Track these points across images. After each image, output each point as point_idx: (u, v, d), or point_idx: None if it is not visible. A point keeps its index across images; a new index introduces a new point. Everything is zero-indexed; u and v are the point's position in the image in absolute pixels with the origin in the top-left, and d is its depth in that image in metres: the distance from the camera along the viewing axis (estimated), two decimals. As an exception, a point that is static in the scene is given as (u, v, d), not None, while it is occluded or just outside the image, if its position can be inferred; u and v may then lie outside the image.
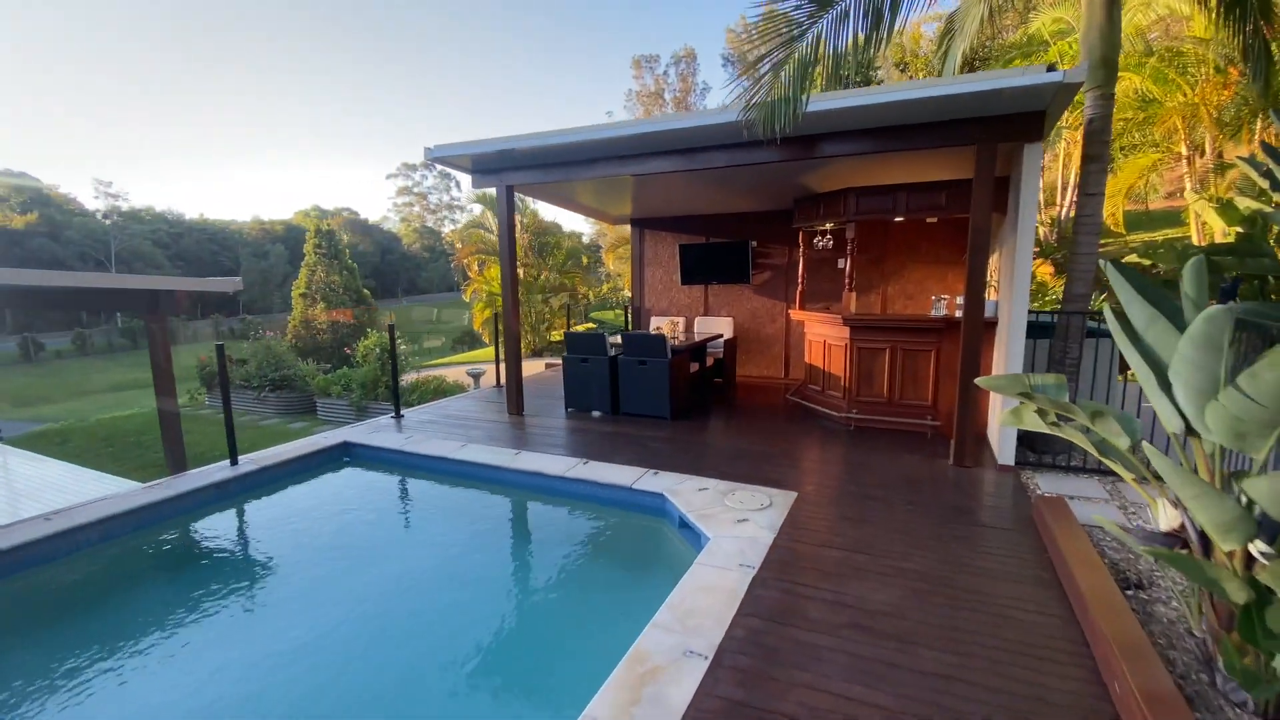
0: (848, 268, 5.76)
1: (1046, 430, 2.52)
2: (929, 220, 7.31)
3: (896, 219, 5.84)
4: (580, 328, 16.39)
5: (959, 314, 5.22)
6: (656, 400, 6.25)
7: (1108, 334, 5.21)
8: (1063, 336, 4.58)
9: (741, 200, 7.75)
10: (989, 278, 5.95)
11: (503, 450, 5.15)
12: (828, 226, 6.28)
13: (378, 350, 11.08)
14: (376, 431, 5.91)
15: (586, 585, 3.51)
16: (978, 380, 2.72)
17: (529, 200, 15.23)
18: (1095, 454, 2.40)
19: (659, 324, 8.76)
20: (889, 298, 7.73)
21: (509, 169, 6.09)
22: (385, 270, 55.86)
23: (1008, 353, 4.42)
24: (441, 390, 10.63)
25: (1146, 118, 8.71)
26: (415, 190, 62.86)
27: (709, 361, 7.56)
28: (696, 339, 7.29)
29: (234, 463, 4.95)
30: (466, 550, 3.91)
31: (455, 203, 62.61)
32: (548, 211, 19.02)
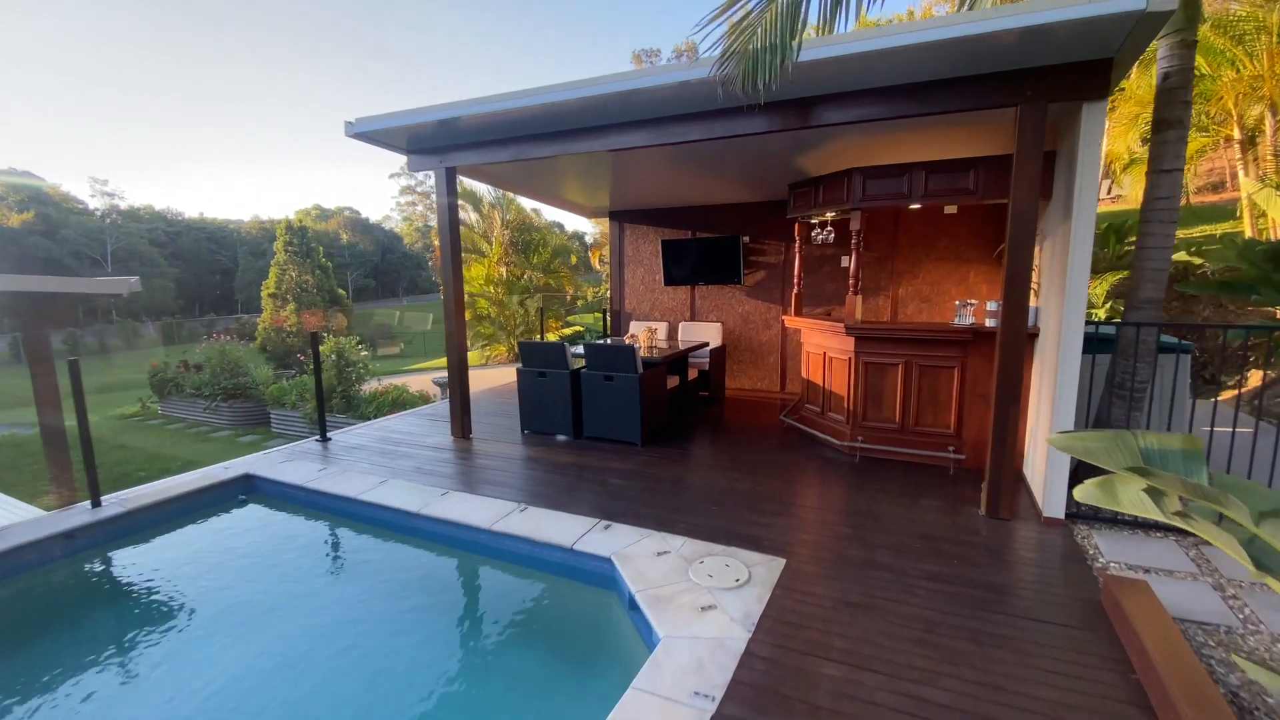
0: (852, 265, 4.83)
1: (1163, 519, 1.60)
2: (947, 210, 6.38)
3: (912, 206, 4.89)
4: (559, 334, 15.49)
5: (990, 323, 4.29)
6: (625, 423, 5.34)
7: (1180, 348, 4.28)
8: (1128, 353, 3.64)
9: (731, 189, 6.83)
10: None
11: (427, 490, 4.24)
12: (828, 216, 5.36)
13: (334, 357, 10.21)
14: (290, 460, 5.01)
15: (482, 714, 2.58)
16: (1053, 441, 1.80)
17: (509, 195, 14.35)
18: (1251, 567, 1.48)
19: (637, 330, 7.84)
20: (900, 301, 6.80)
21: (451, 147, 5.19)
22: (386, 269, 55.13)
23: (1057, 374, 3.49)
24: (401, 402, 9.74)
25: (1197, 94, 7.77)
26: (419, 189, 62.22)
27: (692, 374, 6.65)
28: (680, 348, 6.37)
29: (95, 504, 4.06)
30: (332, 640, 2.97)
31: (535, 211, 61.40)
32: (551, 214, 18.17)
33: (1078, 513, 3.61)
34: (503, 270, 16.09)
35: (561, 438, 5.63)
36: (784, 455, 5.00)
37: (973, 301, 4.49)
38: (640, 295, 8.42)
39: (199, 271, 44.88)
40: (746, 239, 7.55)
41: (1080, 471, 3.52)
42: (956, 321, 4.52)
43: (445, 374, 11.66)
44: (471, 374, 6.31)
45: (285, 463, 4.95)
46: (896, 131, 4.39)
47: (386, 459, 5.04)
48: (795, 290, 5.84)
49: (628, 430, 5.33)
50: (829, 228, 5.45)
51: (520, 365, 5.81)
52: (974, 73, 3.35)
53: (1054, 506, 3.54)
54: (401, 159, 5.64)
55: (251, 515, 4.40)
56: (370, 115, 4.85)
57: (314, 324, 14.91)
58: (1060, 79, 3.21)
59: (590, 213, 8.69)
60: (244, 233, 50.54)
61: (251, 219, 53.95)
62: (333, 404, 10.14)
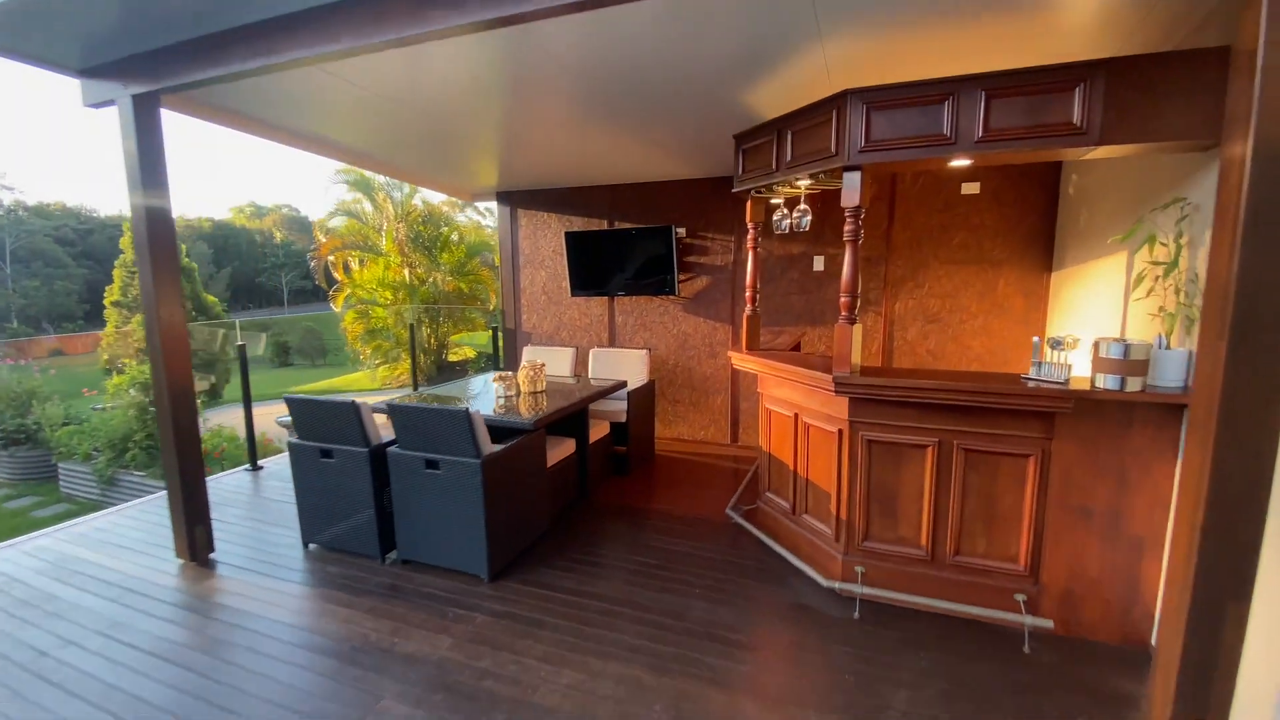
0: (847, 270, 2.81)
1: None
2: (966, 190, 4.49)
3: (956, 162, 2.82)
4: (460, 353, 13.12)
5: (1108, 382, 2.33)
6: (462, 542, 3.18)
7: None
8: None
9: (662, 159, 4.76)
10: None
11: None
12: (800, 187, 3.34)
13: (131, 391, 7.66)
14: None
15: None
16: None
17: (402, 184, 11.85)
18: None
19: (534, 358, 5.68)
20: (895, 323, 4.87)
21: (140, 61, 2.93)
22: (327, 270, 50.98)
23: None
24: (226, 458, 7.25)
25: None
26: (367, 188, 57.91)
27: (599, 432, 4.54)
28: (578, 394, 4.26)
29: None
30: None
31: (444, 204, 57.96)
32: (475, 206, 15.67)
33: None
34: (406, 273, 13.62)
35: (392, 560, 3.42)
36: (733, 592, 2.93)
37: (1066, 336, 2.52)
38: (541, 309, 6.25)
39: (107, 271, 40.25)
40: (682, 231, 5.50)
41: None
42: (1034, 374, 2.55)
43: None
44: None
45: None
46: (926, 13, 2.39)
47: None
48: (748, 310, 3.77)
49: (466, 555, 3.17)
50: (801, 207, 3.40)
51: (292, 436, 3.57)
52: None
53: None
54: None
55: None
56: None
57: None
58: None
59: (471, 194, 6.48)
60: None
61: (178, 217, 49.05)
62: (128, 458, 7.58)
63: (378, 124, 4.04)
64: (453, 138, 4.35)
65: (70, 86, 3.25)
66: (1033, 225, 4.42)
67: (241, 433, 8.31)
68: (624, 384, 4.76)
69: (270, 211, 53.51)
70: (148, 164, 3.15)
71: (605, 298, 5.90)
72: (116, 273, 14.20)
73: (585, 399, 4.18)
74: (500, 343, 6.60)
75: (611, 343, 5.97)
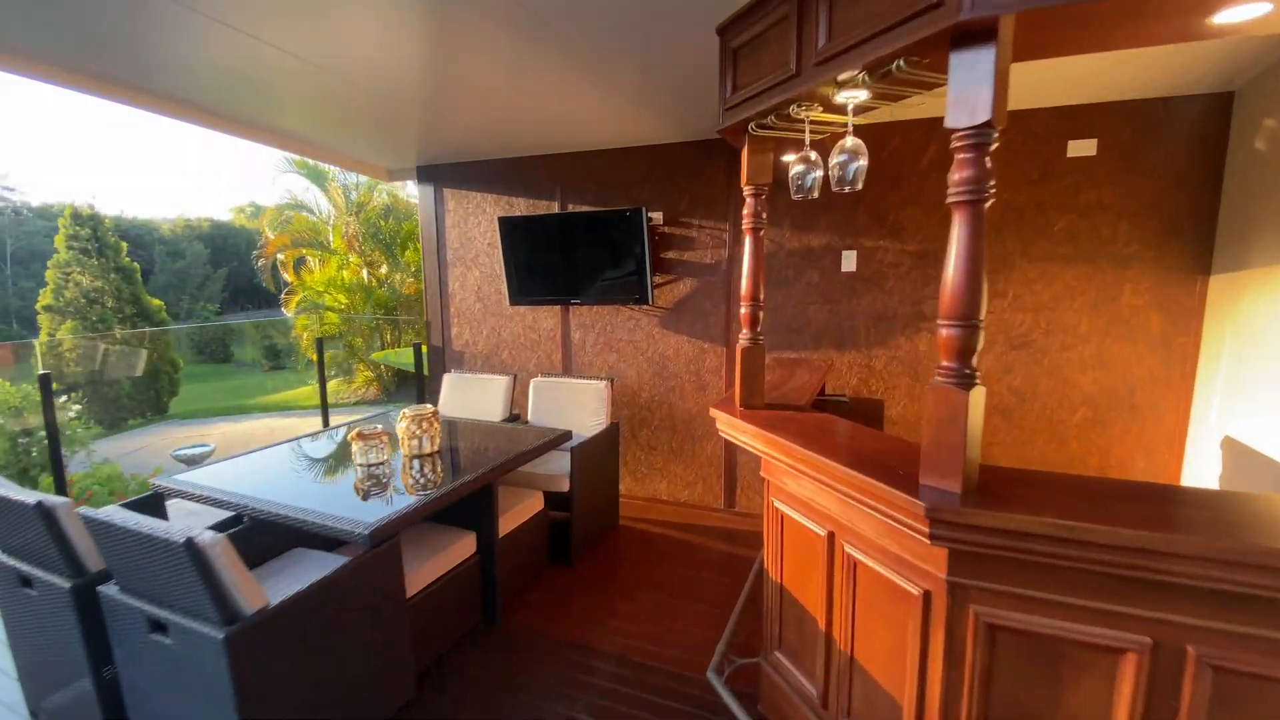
0: (958, 272, 1.69)
1: None
2: (1075, 152, 3.05)
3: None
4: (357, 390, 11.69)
5: None
6: (201, 776, 1.73)
7: None
8: None
9: (631, 115, 3.31)
10: None
11: None
12: (843, 100, 1.88)
13: (9, 410, 6.25)
14: None
15: None
16: None
17: (348, 173, 10.40)
18: None
19: (454, 391, 4.22)
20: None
21: None
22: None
23: None
24: (93, 503, 5.79)
25: None
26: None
27: (521, 515, 3.07)
28: (489, 462, 2.83)
29: None
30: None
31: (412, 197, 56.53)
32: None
33: None
34: (364, 274, 12.22)
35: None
36: None
37: None
38: (474, 320, 4.80)
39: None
40: (657, 217, 4.05)
41: None
42: None
43: (204, 438, 7.70)
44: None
45: None
46: None
47: None
48: (745, 337, 2.21)
49: (210, 801, 1.73)
50: (850, 143, 1.87)
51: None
52: None
53: None
54: None
55: None
56: None
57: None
58: None
59: (386, 171, 5.04)
60: (164, 232, 44.75)
61: (178, 217, 47.85)
62: None
63: (264, 80, 2.63)
64: (356, 90, 2.92)
65: None
66: (1181, 204, 2.95)
67: (135, 464, 6.91)
68: (567, 436, 3.30)
69: (268, 210, 52.58)
70: None
71: (557, 307, 4.45)
72: (50, 275, 12.79)
73: (494, 470, 2.72)
74: (424, 365, 5.15)
75: (565, 368, 4.51)
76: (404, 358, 10.40)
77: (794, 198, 1.87)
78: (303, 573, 2.24)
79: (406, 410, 2.95)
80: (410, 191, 13.68)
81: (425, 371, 5.22)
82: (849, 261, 3.57)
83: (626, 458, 4.37)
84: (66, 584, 1.94)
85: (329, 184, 11.85)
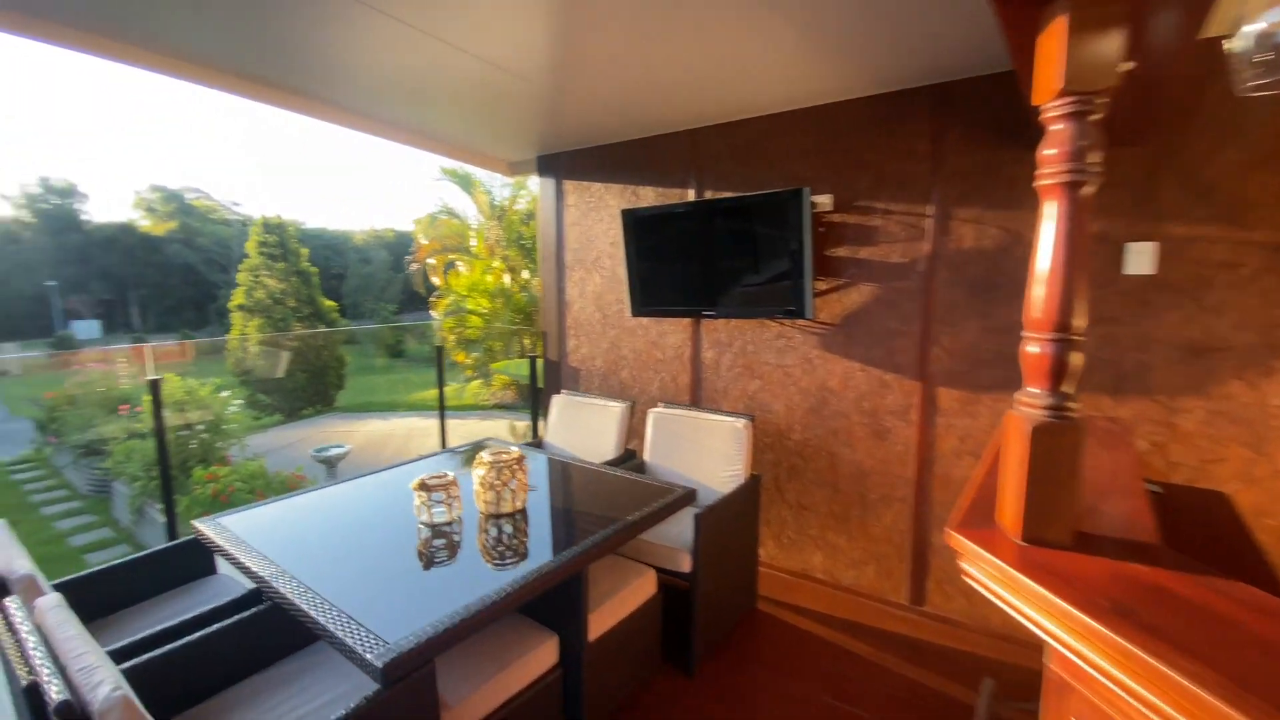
0: None
1: None
2: None
3: None
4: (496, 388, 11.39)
5: None
6: None
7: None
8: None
9: (796, 58, 2.40)
10: None
11: None
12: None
13: (180, 408, 6.87)
14: None
15: None
16: None
17: (494, 179, 10.40)
18: None
19: (562, 416, 3.56)
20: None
21: None
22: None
23: None
24: (227, 500, 6.03)
25: None
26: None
27: (627, 606, 2.27)
28: (580, 542, 2.07)
29: None
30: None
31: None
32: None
33: None
34: (506, 278, 12.39)
35: None
36: None
37: None
38: (593, 333, 4.13)
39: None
40: (824, 201, 3.05)
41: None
42: None
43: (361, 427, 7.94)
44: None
45: None
46: None
47: None
48: (1043, 395, 1.32)
49: None
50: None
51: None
52: None
53: None
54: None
55: None
56: None
57: (173, 355, 11.76)
58: None
59: (509, 164, 4.55)
60: (357, 241, 52.19)
61: (368, 229, 55.63)
62: (153, 487, 6.78)
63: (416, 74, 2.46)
64: (500, 73, 2.50)
65: None
66: None
67: (285, 458, 7.29)
68: (691, 497, 2.45)
69: (442, 218, 58.60)
70: None
71: (687, 319, 3.61)
72: (242, 277, 14.69)
73: (588, 553, 1.94)
74: (539, 379, 4.59)
75: (693, 395, 3.65)
76: (526, 369, 10.30)
77: (1251, 87, 0.84)
78: (298, 701, 1.61)
79: (485, 454, 2.29)
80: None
81: (541, 384, 4.67)
82: (1141, 259, 2.31)
83: (769, 516, 3.41)
84: None
85: (475, 190, 12.18)
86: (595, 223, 4.01)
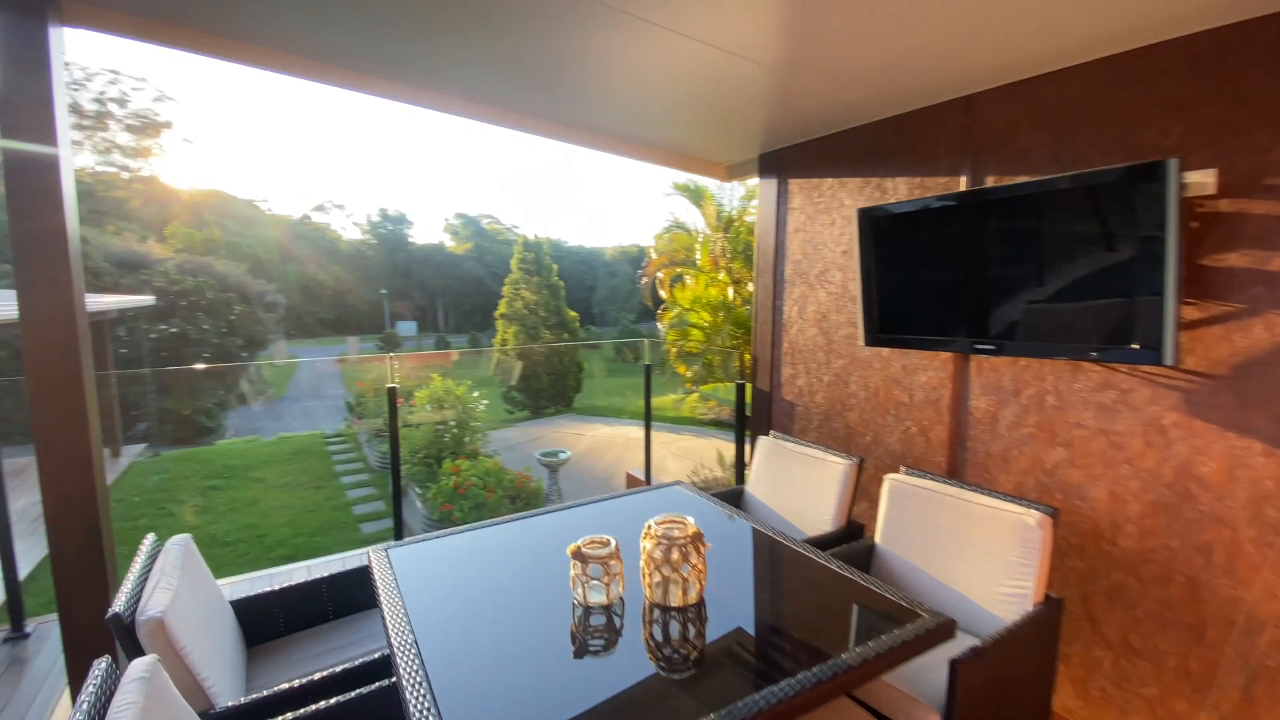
0: None
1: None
2: None
3: None
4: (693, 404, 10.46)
5: None
6: None
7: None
8: None
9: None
10: None
11: None
12: None
13: (427, 407, 7.87)
14: None
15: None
16: None
17: (707, 181, 9.97)
18: None
19: (769, 465, 2.93)
20: None
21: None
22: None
23: None
24: (460, 493, 6.59)
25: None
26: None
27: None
28: (799, 680, 1.47)
29: None
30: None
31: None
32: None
33: None
34: (732, 292, 12.07)
35: None
36: None
37: None
38: (815, 361, 3.40)
39: (573, 289, 53.26)
40: (1201, 180, 1.91)
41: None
42: None
43: (589, 428, 8.26)
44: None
45: None
46: None
47: None
48: None
49: None
50: None
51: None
52: None
53: None
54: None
55: None
56: None
57: (435, 360, 13.27)
58: None
59: (727, 168, 4.06)
60: (607, 257, 58.71)
61: (616, 245, 62.31)
62: (434, 480, 7.83)
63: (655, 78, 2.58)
64: (724, 58, 2.22)
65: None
66: None
67: (519, 455, 7.91)
68: (949, 629, 1.64)
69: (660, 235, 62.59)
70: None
71: (950, 353, 2.69)
72: (505, 289, 16.86)
73: (785, 702, 1.32)
74: (747, 407, 4.00)
75: (953, 462, 2.69)
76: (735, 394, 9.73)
77: None
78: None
79: (654, 522, 1.80)
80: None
81: (748, 413, 4.09)
82: None
83: (1070, 650, 2.32)
84: None
85: (705, 201, 12.08)
86: (823, 228, 3.29)
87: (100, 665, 1.10)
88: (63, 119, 1.89)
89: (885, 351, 2.96)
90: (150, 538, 1.76)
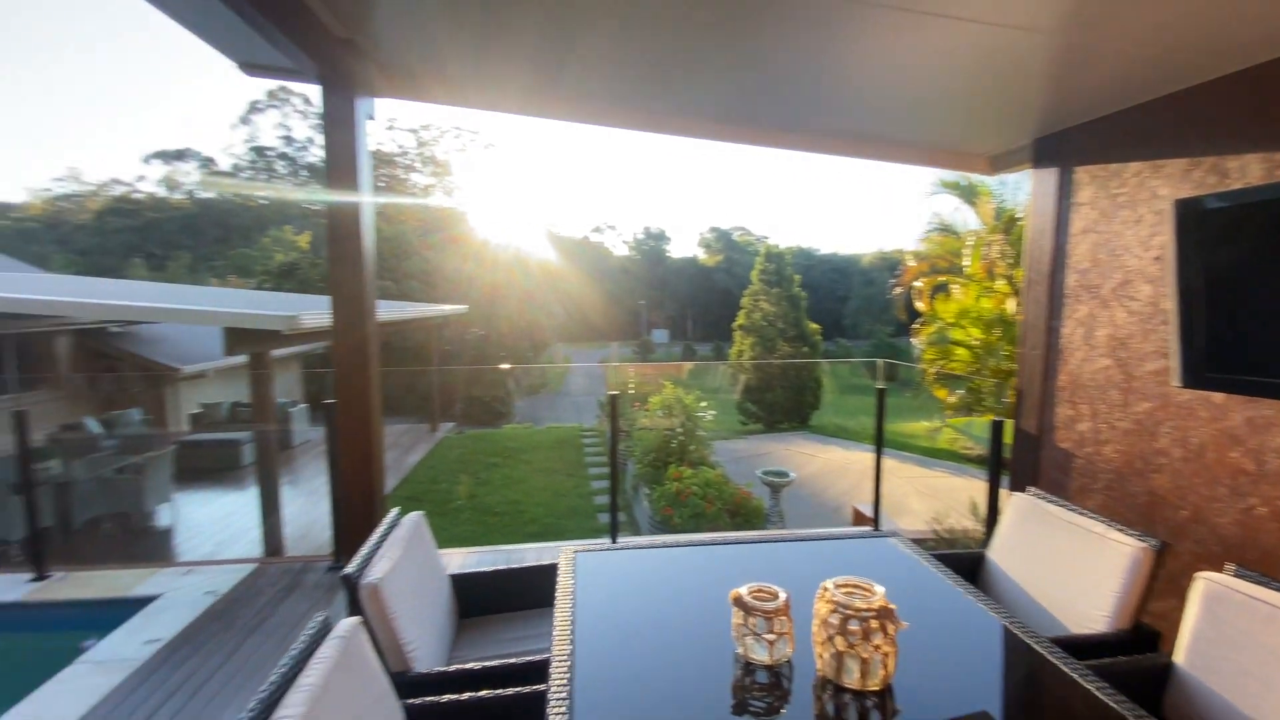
0: None
1: None
2: None
3: None
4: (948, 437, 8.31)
5: None
6: None
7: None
8: None
9: None
10: None
11: None
12: None
13: (668, 411, 8.17)
14: None
15: None
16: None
17: (1004, 186, 8.24)
18: None
19: (1011, 533, 2.33)
20: None
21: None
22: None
23: None
24: (679, 501, 6.70)
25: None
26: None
27: None
28: None
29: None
30: None
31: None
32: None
33: None
34: (1011, 304, 10.22)
35: None
36: None
37: None
38: (1106, 400, 2.61)
39: (822, 299, 51.84)
40: None
41: None
42: None
43: (824, 449, 7.78)
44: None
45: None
46: None
47: None
48: None
49: None
50: None
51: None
52: None
53: None
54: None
55: None
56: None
57: (669, 370, 13.18)
58: None
59: (989, 160, 3.37)
60: (864, 264, 55.71)
61: (875, 251, 58.73)
62: (659, 489, 8.26)
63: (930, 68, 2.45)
64: (995, 33, 2.05)
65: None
66: None
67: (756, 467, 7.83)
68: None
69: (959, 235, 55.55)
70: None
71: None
72: (744, 300, 16.89)
73: None
74: (1003, 449, 3.28)
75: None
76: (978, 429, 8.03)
77: None
78: None
79: (832, 584, 1.56)
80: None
81: (1005, 454, 3.37)
82: None
83: None
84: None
85: (980, 199, 10.44)
86: (1124, 226, 2.53)
87: (316, 618, 1.35)
88: (365, 171, 2.44)
89: (1217, 397, 2.14)
90: (394, 511, 2.13)
